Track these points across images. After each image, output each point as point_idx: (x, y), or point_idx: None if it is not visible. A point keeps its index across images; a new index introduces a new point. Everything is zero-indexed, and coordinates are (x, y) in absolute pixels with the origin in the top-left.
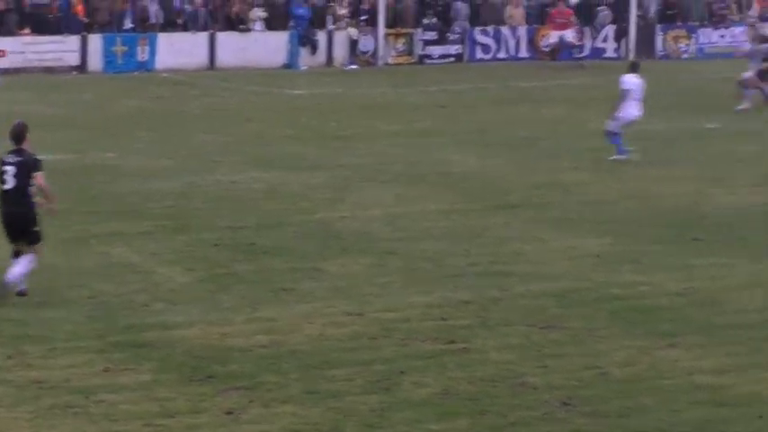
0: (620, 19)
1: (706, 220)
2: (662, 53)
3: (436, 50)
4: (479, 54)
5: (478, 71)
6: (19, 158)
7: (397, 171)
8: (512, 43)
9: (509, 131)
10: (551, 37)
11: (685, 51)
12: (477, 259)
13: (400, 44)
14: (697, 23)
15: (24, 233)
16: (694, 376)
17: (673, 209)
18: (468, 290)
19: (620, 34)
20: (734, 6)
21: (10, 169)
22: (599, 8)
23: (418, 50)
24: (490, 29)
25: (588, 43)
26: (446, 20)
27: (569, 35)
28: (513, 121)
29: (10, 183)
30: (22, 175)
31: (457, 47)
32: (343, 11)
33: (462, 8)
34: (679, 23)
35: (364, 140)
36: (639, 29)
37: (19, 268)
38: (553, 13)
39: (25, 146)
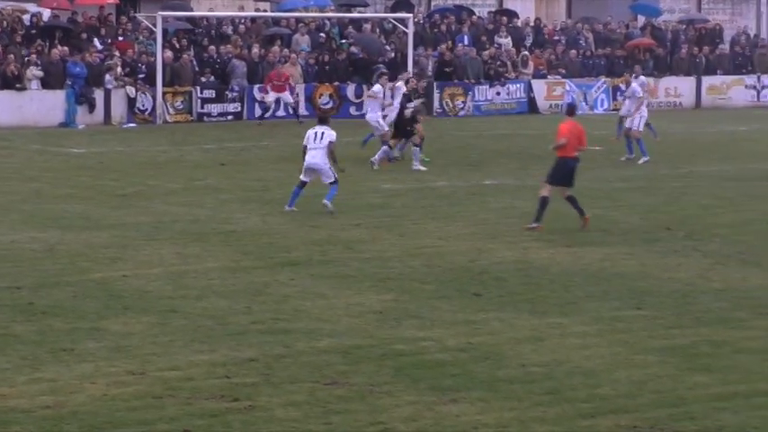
0: (396, 77)
1: (486, 276)
2: (439, 110)
3: (215, 108)
4: (258, 112)
5: (258, 129)
6: None
7: (178, 229)
8: (290, 101)
9: (290, 189)
10: (269, 96)
11: (462, 108)
12: (261, 317)
13: (178, 102)
14: (473, 81)
15: None
16: (478, 431)
17: (453, 265)
18: (253, 347)
19: None
20: (509, 64)
21: None
22: (376, 66)
23: (197, 108)
24: (268, 86)
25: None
26: (224, 78)
27: (288, 97)
28: (293, 178)
29: None
30: None
31: (235, 105)
32: (119, 69)
33: (239, 66)
34: (456, 81)
35: (145, 198)
36: None
37: None
38: (271, 75)
39: None
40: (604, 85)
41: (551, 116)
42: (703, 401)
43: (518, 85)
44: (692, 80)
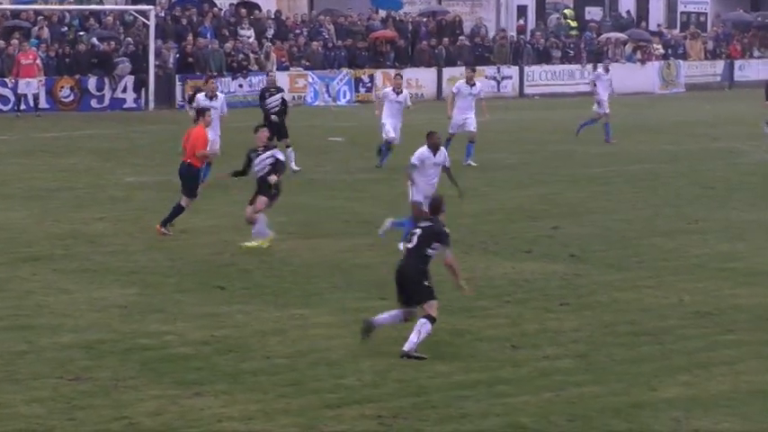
0: (139, 69)
1: (229, 269)
2: (182, 103)
3: None
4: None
5: None
6: (428, 225)
7: None
8: (31, 95)
9: (31, 183)
10: (20, 87)
11: None
12: (2, 313)
13: None
14: (216, 74)
15: (412, 290)
16: (223, 423)
17: (197, 258)
18: None
19: (140, 84)
20: (252, 57)
21: (417, 231)
22: (118, 59)
23: None
24: (8, 80)
25: (108, 94)
26: None
27: (34, 85)
28: (34, 172)
29: (413, 242)
30: (424, 239)
31: None
32: None
33: None
34: (198, 73)
35: None
36: (159, 79)
37: (413, 336)
38: (18, 57)
39: (440, 217)
40: (347, 77)
41: (295, 108)
42: (445, 390)
43: (261, 78)
44: (433, 71)
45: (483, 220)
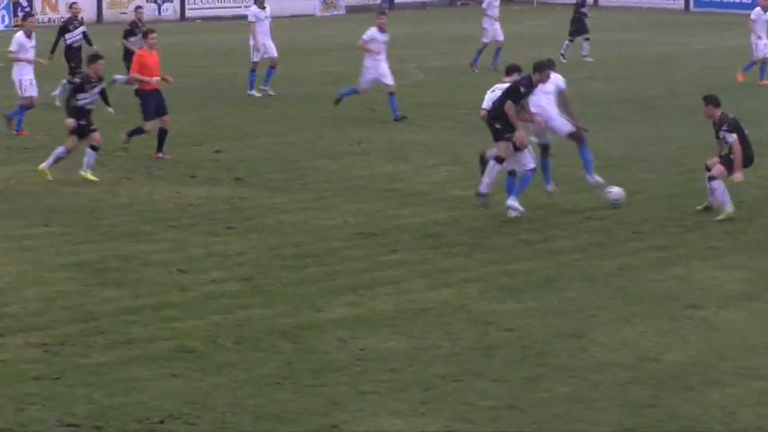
0: None
1: None
2: None
3: None
4: None
5: None
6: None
7: None
8: None
9: None
10: None
11: None
12: None
13: None
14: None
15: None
16: None
17: None
18: None
19: None
20: None
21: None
22: None
23: None
24: None
25: None
26: None
27: None
28: None
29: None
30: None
31: None
32: None
33: None
34: None
35: None
36: None
37: (485, 178)
38: None
39: (512, 78)
40: (5, 1)
41: None
42: (113, 316)
43: None
44: None
45: (145, 145)
